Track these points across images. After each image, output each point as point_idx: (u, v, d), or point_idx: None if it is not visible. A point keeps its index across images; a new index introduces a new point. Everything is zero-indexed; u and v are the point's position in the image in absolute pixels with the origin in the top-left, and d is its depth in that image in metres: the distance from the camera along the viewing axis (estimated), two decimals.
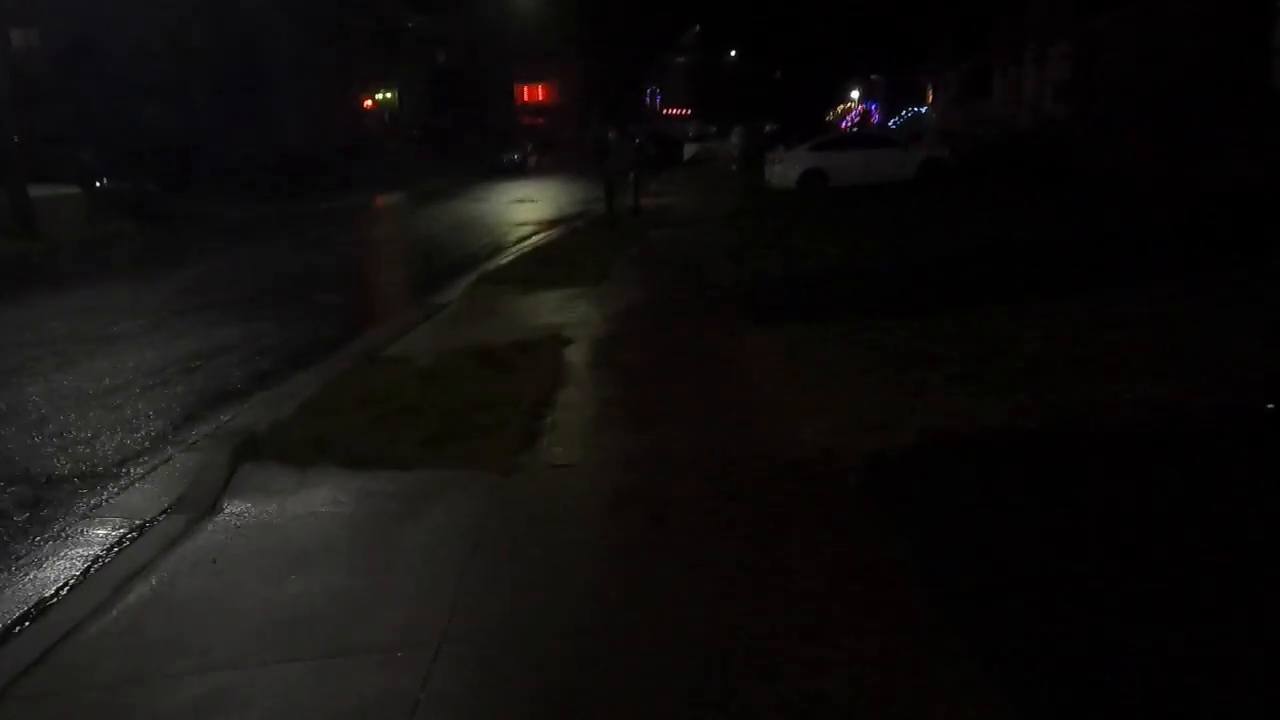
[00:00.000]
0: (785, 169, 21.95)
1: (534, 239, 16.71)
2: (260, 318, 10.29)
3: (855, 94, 54.38)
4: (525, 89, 65.68)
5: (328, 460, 5.17)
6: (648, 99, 66.34)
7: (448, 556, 3.98)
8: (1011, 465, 4.47)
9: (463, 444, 5.28)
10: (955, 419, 5.07)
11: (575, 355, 7.34)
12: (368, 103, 47.26)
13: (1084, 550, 3.59)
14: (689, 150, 45.71)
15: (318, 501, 4.71)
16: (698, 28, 58.94)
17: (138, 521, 4.76)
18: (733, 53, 69.99)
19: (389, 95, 48.61)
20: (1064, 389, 5.46)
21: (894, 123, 37.36)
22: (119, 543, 4.51)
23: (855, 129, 37.30)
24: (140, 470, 5.57)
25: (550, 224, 19.31)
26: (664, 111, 72.35)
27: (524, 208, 23.53)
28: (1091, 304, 7.67)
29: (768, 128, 50.16)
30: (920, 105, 38.05)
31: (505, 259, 14.01)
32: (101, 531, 4.69)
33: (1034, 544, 3.66)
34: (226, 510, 4.72)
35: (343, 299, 11.55)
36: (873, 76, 47.86)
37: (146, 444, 6.04)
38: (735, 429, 5.30)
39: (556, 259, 12.96)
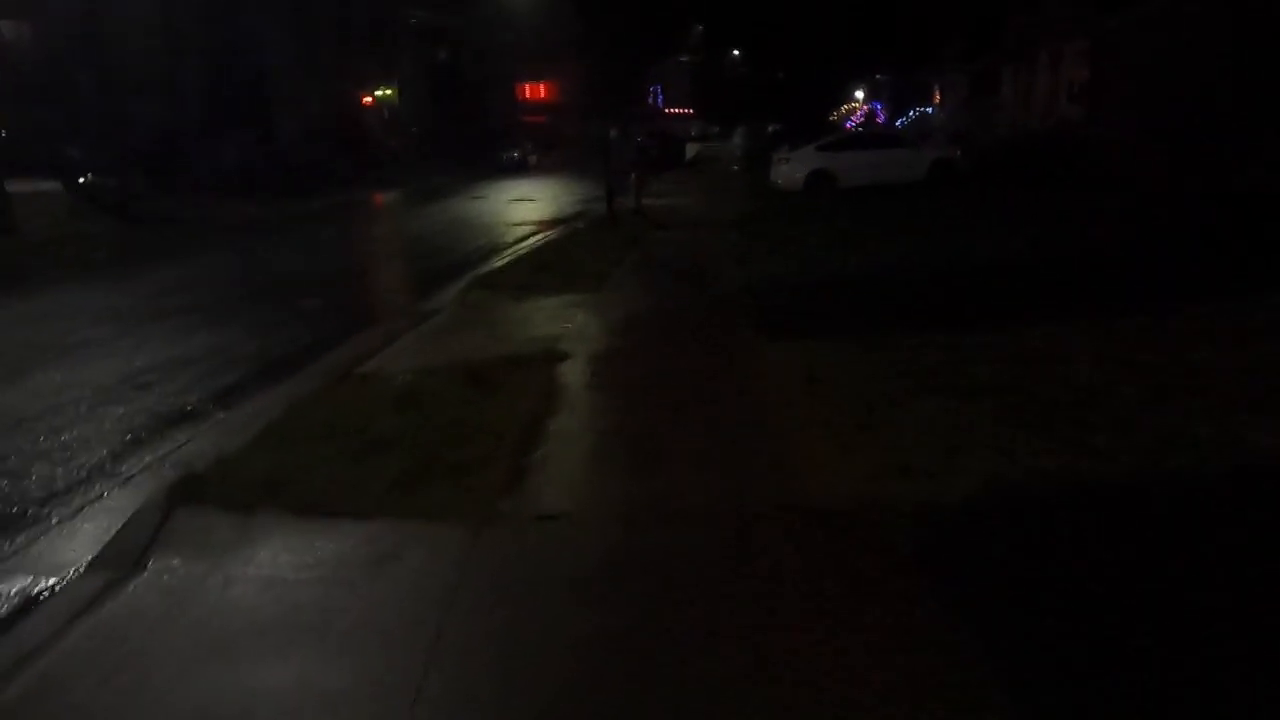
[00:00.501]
0: (792, 170, 21.17)
1: (532, 240, 15.95)
2: (234, 325, 9.51)
3: (860, 94, 53.63)
4: (527, 87, 64.93)
5: (279, 505, 4.39)
6: (651, 98, 65.56)
7: (405, 644, 3.20)
8: (1097, 527, 3.69)
9: (438, 486, 4.50)
10: (1015, 464, 4.28)
11: (570, 374, 6.57)
12: (367, 100, 46.43)
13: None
14: (692, 150, 44.95)
15: (260, 560, 3.93)
16: (701, 28, 58.17)
17: (46, 582, 3.99)
18: (735, 53, 69.23)
19: (389, 92, 47.83)
20: (1137, 424, 4.67)
21: (901, 123, 36.59)
22: (18, 611, 3.74)
23: (861, 129, 36.48)
24: (65, 512, 4.80)
25: (549, 224, 18.55)
26: (667, 111, 71.57)
27: (523, 207, 22.76)
28: (1141, 320, 6.90)
29: (771, 128, 49.39)
30: (927, 106, 37.27)
31: (501, 262, 13.26)
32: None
33: (1153, 645, 2.88)
34: (152, 567, 3.95)
35: (325, 304, 10.76)
36: (878, 77, 47.09)
37: (79, 477, 5.26)
38: (754, 471, 4.52)
39: (554, 262, 12.19)
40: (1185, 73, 16.63)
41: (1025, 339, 6.59)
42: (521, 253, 13.96)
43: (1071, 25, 21.00)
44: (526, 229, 17.99)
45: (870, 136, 23.47)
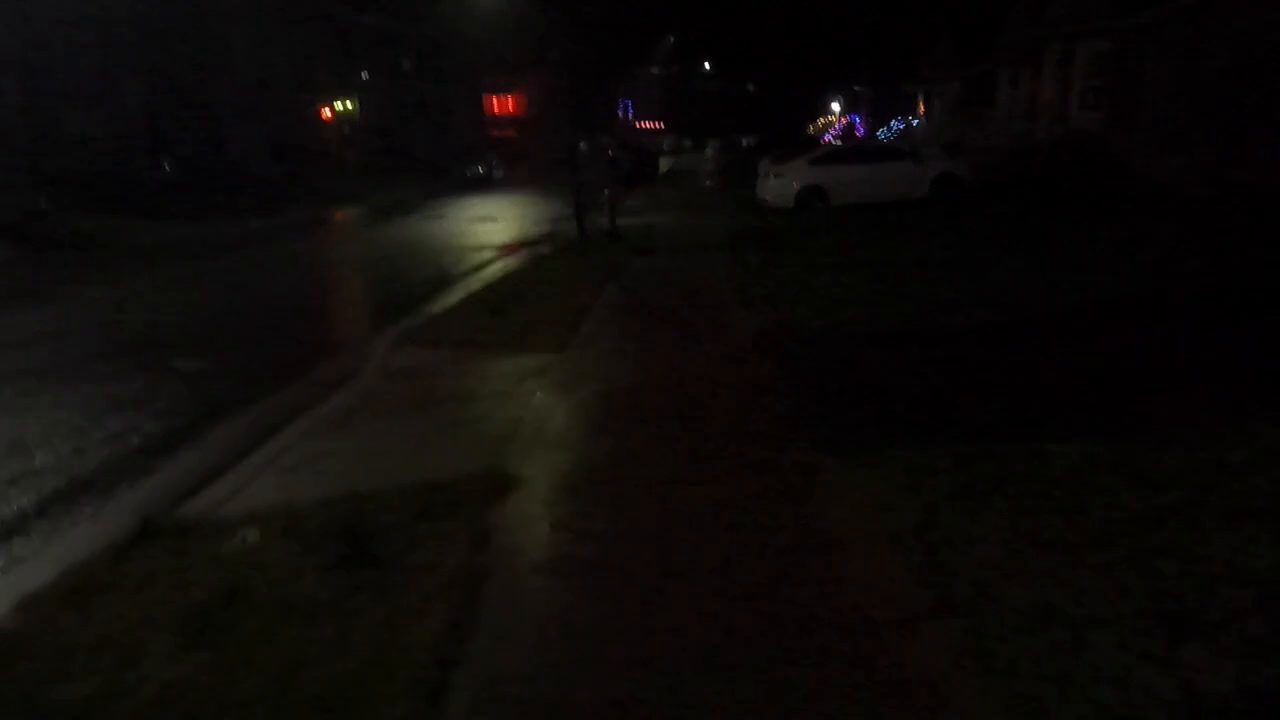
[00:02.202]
0: (781, 185, 18.71)
1: (489, 270, 13.31)
2: (67, 402, 6.79)
3: (836, 106, 51.44)
4: (495, 100, 62.35)
5: None
6: (621, 112, 63.15)
7: None
8: None
9: None
10: None
11: (512, 531, 3.95)
12: (326, 113, 43.53)
13: None
14: (665, 164, 42.52)
15: None
16: (671, 39, 55.88)
17: None
18: (706, 65, 67.06)
19: (349, 105, 44.95)
20: None
21: (883, 135, 34.34)
22: None
23: (839, 142, 34.18)
24: None
25: (511, 248, 15.92)
26: (637, 125, 69.16)
27: (484, 228, 20.09)
28: None
29: (745, 141, 47.22)
30: (911, 117, 35.06)
31: (448, 299, 10.62)
32: None
33: None
34: None
35: (210, 364, 8.07)
36: (856, 88, 44.95)
37: None
38: None
39: (511, 303, 9.56)
40: (1231, 72, 14.34)
41: (1233, 455, 4.07)
42: (474, 289, 11.31)
43: (1086, 25, 18.73)
44: (485, 254, 15.35)
45: (867, 149, 21.07)
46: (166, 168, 28.64)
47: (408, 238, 18.96)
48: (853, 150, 20.32)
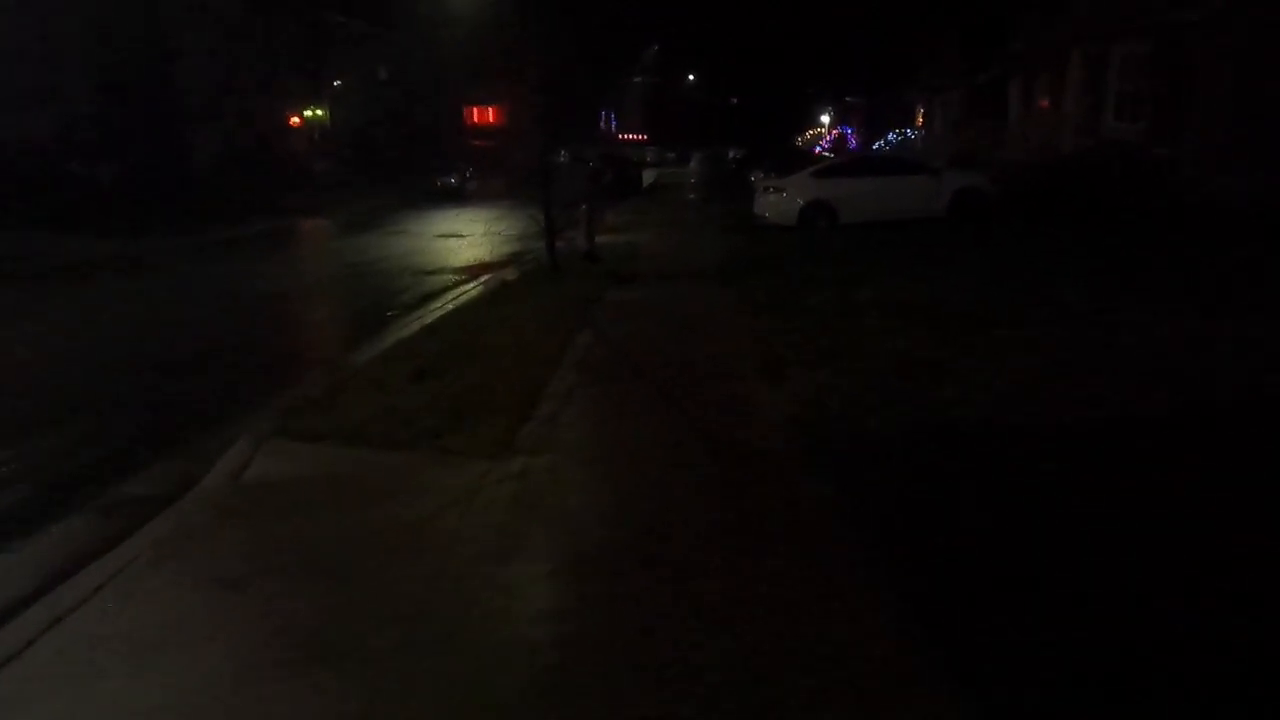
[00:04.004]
0: (782, 200, 16.25)
1: (439, 302, 10.74)
2: None
3: (826, 118, 49.03)
4: (475, 110, 59.80)
5: None
6: (604, 122, 60.69)
7: None
8: None
9: None
10: None
11: None
12: (295, 119, 40.74)
13: None
14: (649, 176, 40.04)
15: None
16: (656, 48, 53.48)
17: None
18: (691, 77, 64.79)
19: (319, 113, 42.20)
20: None
21: (878, 147, 31.98)
22: None
23: (831, 155, 31.76)
24: None
25: (474, 272, 13.36)
26: (620, 136, 66.66)
27: (448, 246, 17.51)
28: None
29: (732, 153, 44.77)
30: (908, 128, 32.68)
31: (374, 348, 8.02)
32: None
33: None
34: None
35: (13, 461, 5.45)
36: (848, 99, 42.53)
37: None
38: None
39: (450, 359, 6.98)
40: None
41: None
42: (412, 330, 8.71)
43: (1124, 24, 16.35)
44: (441, 280, 12.77)
45: (878, 161, 18.61)
46: (103, 176, 25.74)
47: (357, 258, 16.32)
48: (862, 162, 17.88)
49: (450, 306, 10.28)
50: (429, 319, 9.35)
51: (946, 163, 19.60)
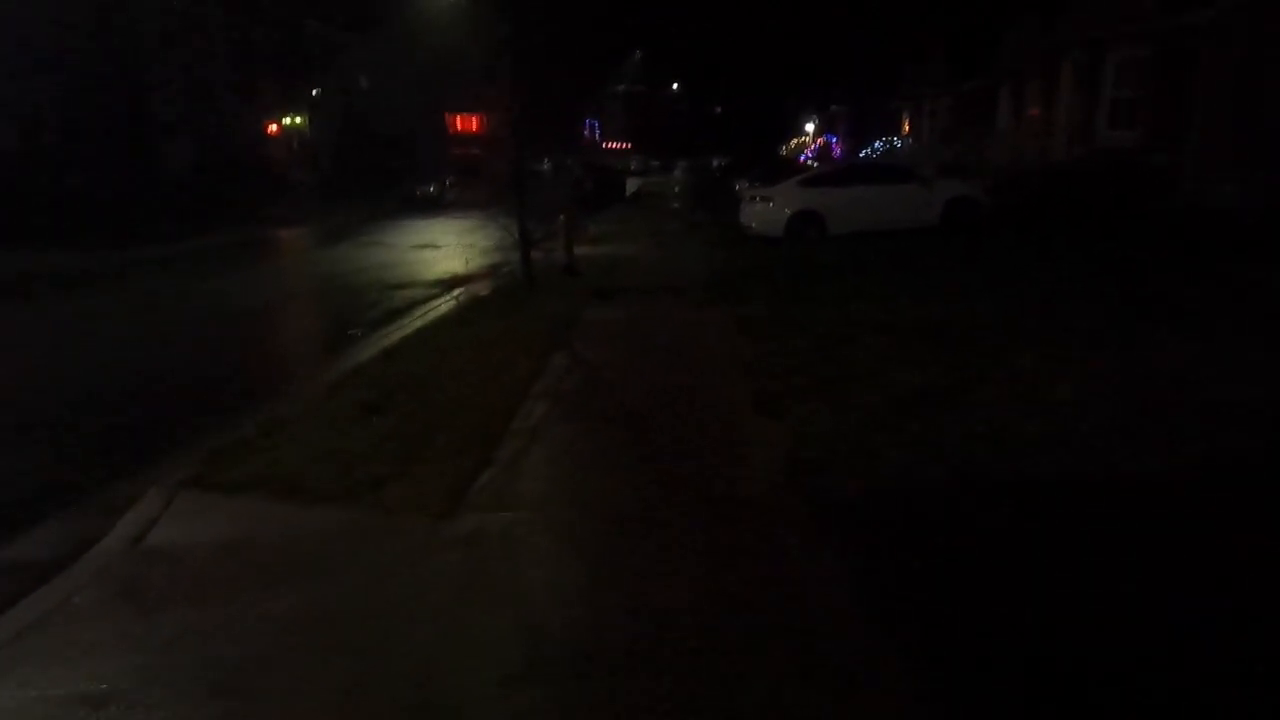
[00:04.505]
0: (769, 210, 15.57)
1: (407, 320, 9.98)
2: None
3: (810, 127, 48.52)
4: (458, 118, 59.04)
5: None
6: (587, 131, 60.08)
7: None
8: None
9: None
10: None
11: None
12: (273, 128, 39.83)
13: None
14: (632, 185, 39.40)
15: None
16: (639, 55, 52.92)
17: None
18: (675, 86, 64.29)
19: (298, 120, 41.33)
20: None
21: (865, 156, 31.42)
22: None
23: (815, 164, 31.20)
24: None
25: (446, 287, 12.61)
26: (604, 145, 66.06)
27: (422, 258, 16.77)
28: None
29: (715, 162, 44.21)
30: (894, 137, 32.13)
31: (330, 373, 7.26)
32: None
33: None
34: None
35: None
36: (833, 107, 42.02)
37: None
38: None
39: (405, 390, 6.24)
40: None
41: None
42: (372, 353, 7.95)
43: (1122, 28, 15.80)
44: (411, 295, 12.02)
45: (868, 170, 17.97)
46: (69, 186, 24.83)
47: (328, 270, 15.55)
48: (851, 170, 17.23)
49: (418, 324, 9.52)
50: (393, 339, 8.59)
51: (937, 171, 19.04)
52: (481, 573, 3.53)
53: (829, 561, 3.47)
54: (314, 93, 42.16)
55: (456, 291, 11.87)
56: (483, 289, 11.86)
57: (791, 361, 6.42)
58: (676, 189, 39.27)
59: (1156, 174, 14.51)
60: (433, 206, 30.94)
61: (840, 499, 4.03)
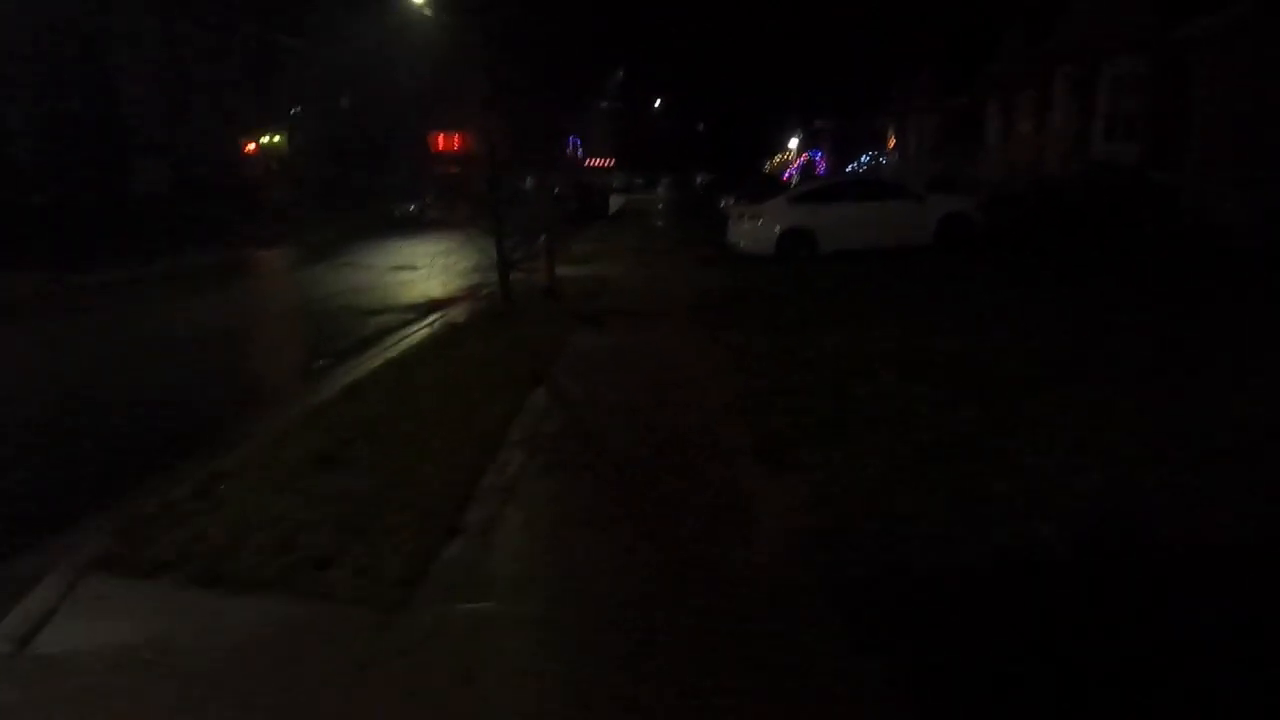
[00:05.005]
0: (758, 228, 15.01)
1: (375, 350, 9.24)
2: None
3: (793, 143, 48.10)
4: (440, 137, 58.36)
5: None
6: (570, 148, 59.52)
7: None
8: None
9: None
10: None
11: None
12: (250, 146, 39.03)
13: None
14: (616, 202, 38.84)
15: None
16: (622, 73, 52.45)
17: None
18: (658, 103, 63.87)
19: (276, 139, 40.54)
20: None
21: (851, 172, 30.95)
22: None
23: (799, 181, 30.75)
24: None
25: (421, 311, 11.92)
26: (586, 162, 65.51)
27: (398, 280, 16.08)
28: None
29: (699, 179, 43.74)
30: (880, 153, 31.68)
31: (285, 415, 6.52)
32: None
33: None
34: None
35: None
36: (817, 123, 41.62)
37: None
38: None
39: (370, 435, 5.53)
40: None
41: None
42: (335, 390, 7.22)
43: (1118, 40, 15.34)
44: (385, 321, 11.30)
45: (859, 185, 17.43)
46: (37, 204, 24.01)
47: (299, 294, 14.83)
48: (842, 187, 16.68)
49: (389, 354, 8.79)
50: (359, 373, 7.86)
51: (926, 186, 18.54)
52: (432, 695, 2.82)
53: (852, 670, 2.78)
54: (293, 111, 41.41)
55: (432, 317, 11.18)
56: (460, 314, 11.16)
57: (794, 400, 5.75)
58: (660, 206, 38.75)
59: (1156, 190, 14.02)
60: (414, 226, 30.22)
61: (860, 581, 3.35)
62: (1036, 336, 7.28)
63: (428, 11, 35.09)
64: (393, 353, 8.93)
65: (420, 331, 10.08)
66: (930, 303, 9.33)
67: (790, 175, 35.73)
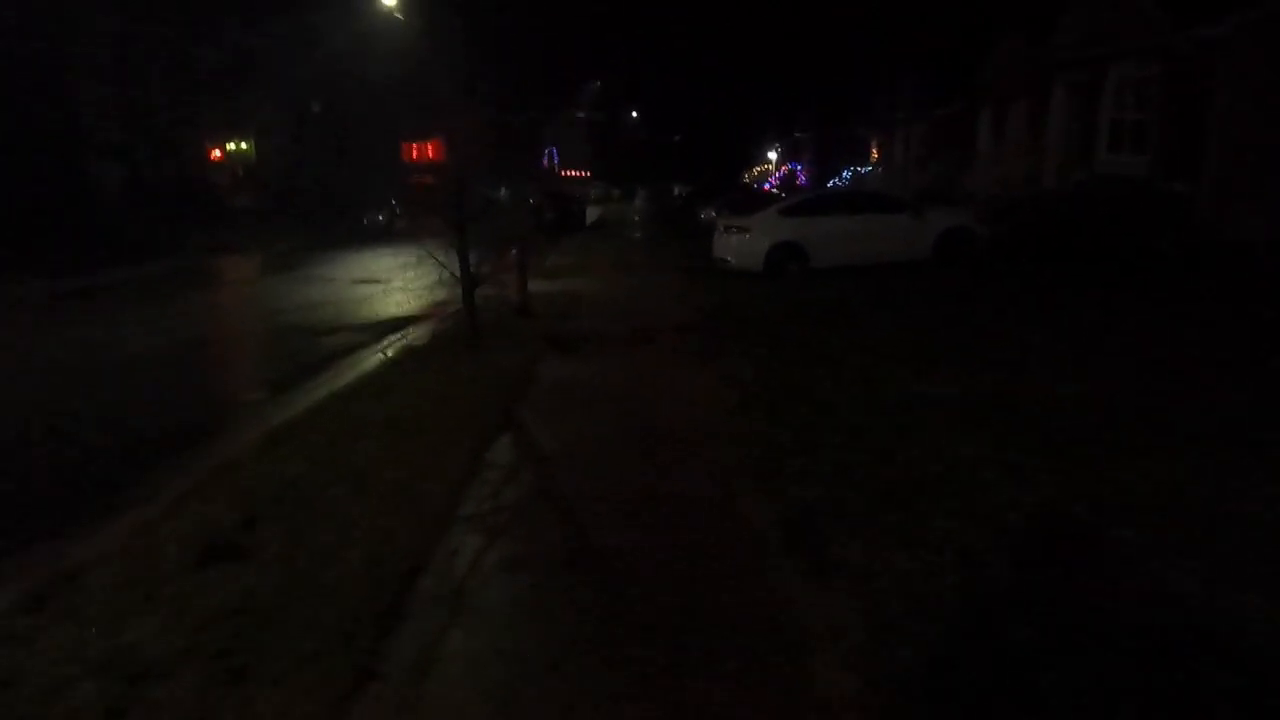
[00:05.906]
0: (747, 242, 13.85)
1: (317, 381, 7.95)
2: None
3: (773, 155, 47.16)
4: (414, 146, 57.02)
5: None
6: (545, 159, 58.36)
7: None
8: None
9: None
10: None
11: None
12: (215, 153, 37.48)
13: None
14: (592, 214, 37.66)
15: None
16: (598, 84, 51.41)
17: None
18: (634, 114, 62.92)
19: (243, 146, 39.01)
20: None
21: (834, 185, 30.01)
22: None
23: (780, 192, 29.71)
24: None
25: (379, 332, 10.64)
26: (563, 173, 64.38)
27: (361, 294, 14.75)
28: None
29: (677, 190, 42.67)
30: (863, 165, 30.72)
31: (190, 471, 5.24)
32: None
33: None
34: None
35: None
36: (797, 134, 40.65)
37: None
38: None
39: (285, 504, 4.28)
40: None
41: None
42: (258, 435, 5.93)
43: (1128, 44, 14.38)
44: (336, 343, 10.01)
45: (853, 197, 16.34)
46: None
47: (252, 309, 13.49)
48: (836, 199, 15.57)
49: (334, 386, 7.51)
50: (291, 412, 6.57)
51: (915, 197, 17.51)
52: None
53: None
54: (261, 118, 39.92)
55: (387, 341, 9.90)
56: (421, 336, 9.92)
57: (818, 458, 4.56)
58: (638, 218, 37.64)
59: (1169, 202, 13.02)
60: (381, 237, 28.83)
61: None
62: (1102, 381, 6.13)
63: (399, 15, 33.76)
64: (338, 383, 7.65)
65: (372, 358, 8.80)
66: (949, 329, 8.21)
67: (770, 186, 34.73)
